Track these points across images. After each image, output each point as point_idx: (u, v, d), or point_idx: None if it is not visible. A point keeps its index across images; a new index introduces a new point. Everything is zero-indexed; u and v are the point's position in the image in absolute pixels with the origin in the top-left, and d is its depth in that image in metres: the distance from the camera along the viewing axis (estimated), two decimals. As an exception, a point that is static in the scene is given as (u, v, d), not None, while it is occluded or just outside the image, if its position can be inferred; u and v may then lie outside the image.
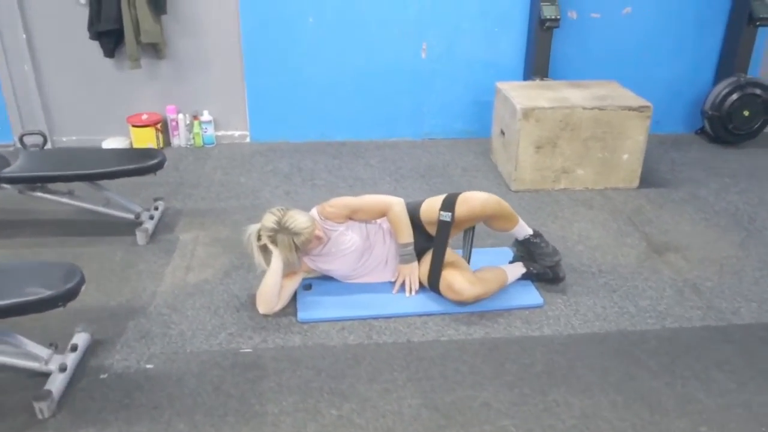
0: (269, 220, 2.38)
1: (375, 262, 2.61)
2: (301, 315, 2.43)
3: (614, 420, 1.94)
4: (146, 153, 3.11)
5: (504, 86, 3.76)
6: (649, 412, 1.97)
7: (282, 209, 2.42)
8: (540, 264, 2.62)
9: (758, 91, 4.07)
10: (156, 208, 3.16)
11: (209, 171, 3.82)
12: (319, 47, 4.06)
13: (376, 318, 2.43)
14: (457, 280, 2.45)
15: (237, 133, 4.30)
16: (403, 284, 2.58)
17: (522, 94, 3.59)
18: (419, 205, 2.59)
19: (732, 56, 4.16)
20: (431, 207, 2.56)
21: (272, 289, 2.41)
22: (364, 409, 1.98)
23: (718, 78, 4.27)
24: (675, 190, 3.58)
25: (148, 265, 2.78)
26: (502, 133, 3.71)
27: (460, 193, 2.52)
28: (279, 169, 3.86)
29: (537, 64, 4.03)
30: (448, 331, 2.36)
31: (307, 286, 2.59)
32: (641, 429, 1.91)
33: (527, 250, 2.67)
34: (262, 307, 2.43)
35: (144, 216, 3.05)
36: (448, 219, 2.47)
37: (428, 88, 4.24)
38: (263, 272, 2.44)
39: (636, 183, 3.60)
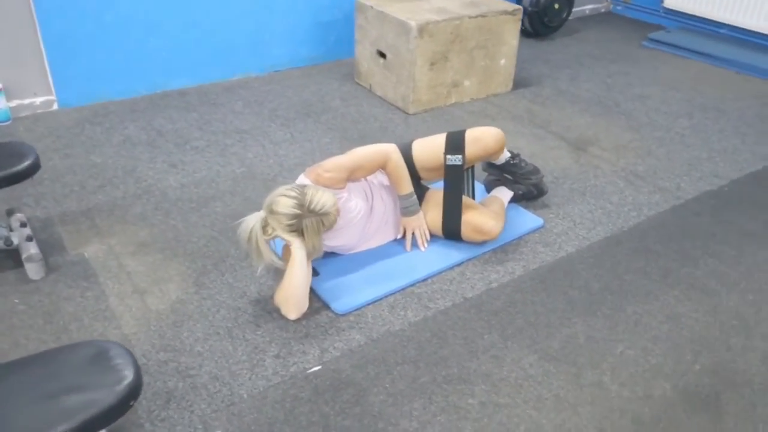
0: (286, 204, 1.88)
1: (377, 223, 2.28)
2: (338, 306, 2.02)
3: (690, 313, 2.06)
4: (6, 150, 2.14)
5: (368, 2, 3.45)
6: (706, 296, 2.14)
7: (297, 188, 1.93)
8: (524, 184, 2.57)
9: (562, -15, 4.43)
10: (23, 224, 2.25)
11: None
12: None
13: (413, 285, 2.15)
14: (482, 220, 2.27)
15: (39, 100, 3.24)
16: (413, 238, 2.31)
17: (399, 9, 3.34)
18: (408, 148, 2.30)
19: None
20: (429, 151, 2.29)
21: (303, 287, 1.96)
22: (494, 385, 1.78)
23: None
24: (540, 87, 3.79)
25: (77, 304, 2.01)
26: (381, 54, 3.44)
27: (462, 131, 2.29)
28: (132, 136, 3.04)
29: (384, -25, 3.76)
30: (491, 276, 2.21)
31: (313, 272, 2.15)
32: (713, 313, 2.07)
33: (509, 173, 2.58)
34: (293, 312, 1.96)
35: (16, 238, 2.16)
36: (459, 162, 2.24)
37: (268, 13, 3.68)
38: (266, 271, 1.96)
39: (510, 86, 3.71)
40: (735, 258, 2.34)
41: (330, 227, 1.97)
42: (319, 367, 1.82)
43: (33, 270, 2.09)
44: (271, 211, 1.91)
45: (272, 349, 1.87)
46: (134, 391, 1.24)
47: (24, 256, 2.09)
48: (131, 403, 1.25)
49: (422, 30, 3.16)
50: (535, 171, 2.57)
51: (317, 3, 3.81)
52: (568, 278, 2.21)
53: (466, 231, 2.28)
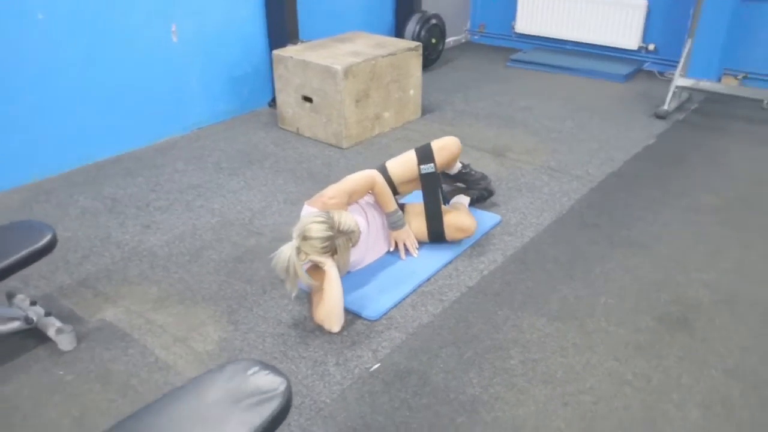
0: (319, 229, 2.11)
1: (374, 238, 2.56)
2: (369, 314, 2.27)
3: (639, 264, 2.57)
4: (22, 228, 2.14)
5: (286, 53, 3.74)
6: (644, 249, 2.67)
7: (322, 215, 2.16)
8: (477, 189, 2.98)
9: (434, 21, 5.02)
10: (33, 303, 2.24)
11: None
12: (53, 49, 3.21)
13: (421, 285, 2.45)
14: (462, 219, 2.64)
15: (-28, 188, 3.13)
16: (405, 247, 2.62)
17: (319, 56, 3.66)
18: (383, 169, 2.62)
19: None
20: (403, 166, 2.63)
21: (341, 301, 2.19)
22: (523, 346, 2.13)
23: (399, 13, 5.06)
24: (442, 111, 4.28)
25: (125, 362, 2.07)
26: (307, 99, 3.73)
27: (427, 144, 2.65)
28: (88, 207, 3.05)
29: (290, 28, 4.08)
30: (479, 266, 2.57)
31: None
32: (654, 260, 2.60)
33: (462, 181, 2.98)
34: (336, 325, 2.18)
35: (34, 315, 2.16)
36: (432, 169, 2.60)
37: (184, 74, 3.83)
38: (298, 294, 2.17)
39: (419, 113, 4.16)
40: (652, 219, 2.92)
41: (356, 244, 2.23)
42: (379, 365, 2.05)
43: (65, 341, 2.11)
44: (305, 238, 2.13)
45: (330, 360, 2.07)
46: (288, 398, 1.41)
47: (53, 330, 2.11)
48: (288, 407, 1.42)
49: (347, 72, 3.51)
50: (484, 177, 3.00)
51: (229, 59, 4.02)
52: (540, 256, 2.64)
53: (449, 232, 2.63)
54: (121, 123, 3.59)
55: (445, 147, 2.66)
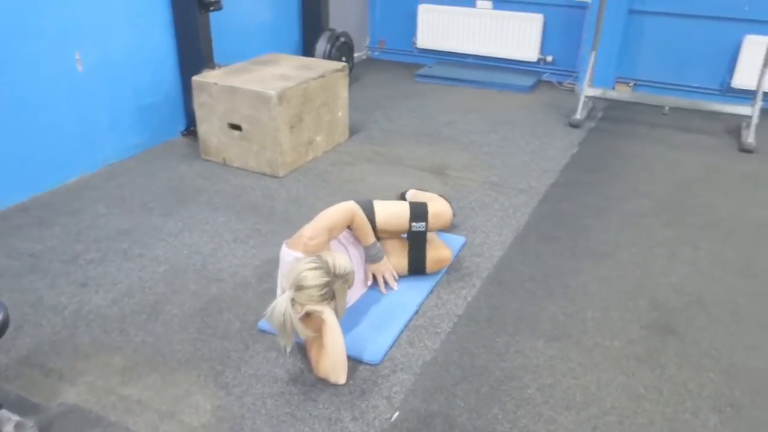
0: (315, 276, 1.95)
1: (357, 277, 2.43)
2: (371, 358, 2.14)
3: (609, 272, 2.66)
4: None
5: (208, 79, 3.49)
6: (607, 258, 2.76)
7: (314, 260, 2.00)
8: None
9: (343, 39, 4.94)
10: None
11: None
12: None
13: (411, 320, 2.36)
14: (439, 252, 2.57)
15: None
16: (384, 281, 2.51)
17: (246, 81, 3.45)
18: (370, 207, 2.48)
19: (317, 15, 4.85)
20: (394, 218, 2.51)
21: (344, 349, 2.03)
22: (534, 372, 2.10)
23: (306, 32, 4.92)
24: (368, 130, 4.20)
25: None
26: (234, 127, 3.50)
27: (424, 204, 2.55)
28: (5, 267, 2.63)
29: (204, 52, 3.81)
30: (461, 292, 2.52)
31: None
32: (620, 267, 2.69)
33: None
34: (343, 376, 2.02)
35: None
36: (423, 229, 2.52)
37: (88, 106, 3.45)
38: (293, 348, 2.02)
39: (347, 134, 4.05)
40: (603, 227, 3.03)
41: (352, 285, 2.09)
42: (398, 413, 1.93)
43: (28, 437, 1.78)
44: (300, 288, 1.95)
45: (345, 415, 1.92)
46: None
47: (10, 427, 1.76)
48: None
49: (281, 97, 3.33)
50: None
51: (137, 87, 3.68)
52: (516, 275, 2.64)
53: (429, 266, 2.56)
54: (23, 165, 3.15)
55: (441, 215, 2.60)
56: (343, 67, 3.83)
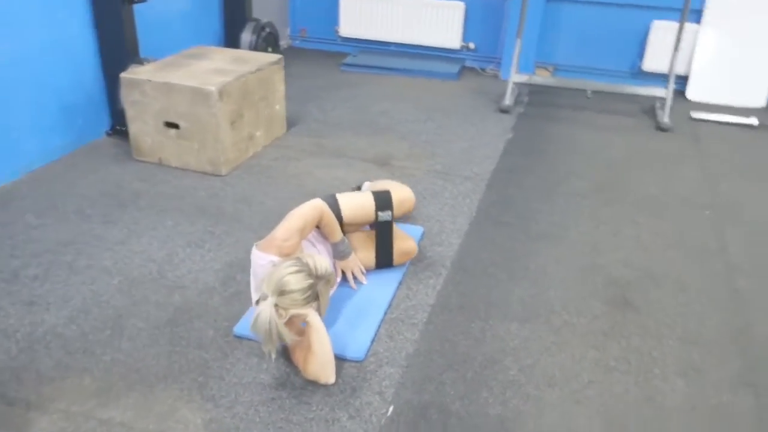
0: (298, 280, 1.92)
1: (326, 274, 2.41)
2: (354, 354, 2.14)
3: (563, 252, 2.79)
4: None
5: (139, 76, 3.32)
6: (560, 238, 2.90)
7: (294, 263, 1.97)
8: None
9: (268, 29, 4.83)
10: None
11: None
12: None
13: (386, 313, 2.37)
14: (405, 244, 2.59)
15: None
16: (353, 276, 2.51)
17: (181, 77, 3.30)
18: (335, 202, 2.46)
19: (239, 5, 4.70)
20: (360, 209, 2.49)
21: (331, 349, 2.02)
22: (512, 354, 2.18)
23: (228, 22, 4.76)
24: (305, 123, 4.14)
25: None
26: (171, 125, 3.35)
27: (387, 192, 2.55)
28: (-65, 292, 2.40)
29: (129, 46, 3.60)
30: (429, 282, 2.56)
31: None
32: (573, 247, 2.84)
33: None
34: (332, 375, 2.01)
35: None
36: (389, 218, 2.52)
37: (11, 107, 3.19)
38: (277, 354, 1.99)
39: (285, 128, 3.98)
40: (549, 209, 3.17)
41: (334, 285, 2.07)
42: (392, 407, 1.94)
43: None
44: (283, 293, 1.91)
45: (341, 414, 1.91)
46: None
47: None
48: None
49: (222, 93, 3.22)
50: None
51: (58, 86, 3.44)
52: (478, 262, 2.71)
53: (396, 258, 2.58)
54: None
55: (405, 201, 2.60)
56: (279, 59, 3.75)
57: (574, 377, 2.09)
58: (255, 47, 4.64)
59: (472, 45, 5.43)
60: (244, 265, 2.59)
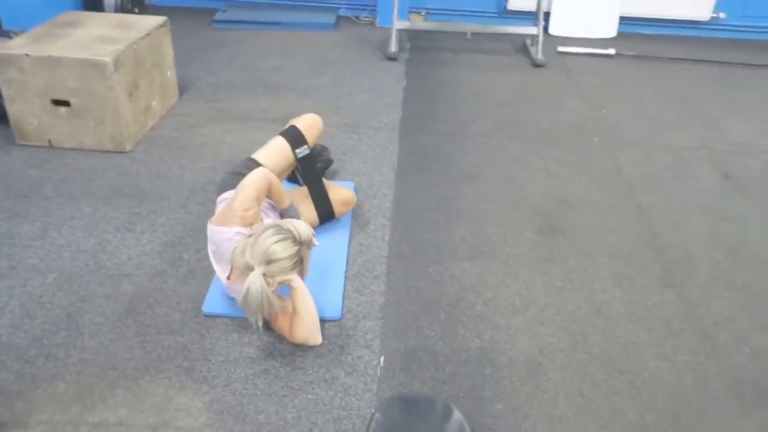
0: (285, 247, 1.93)
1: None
2: (332, 314, 2.19)
3: (483, 193, 3.00)
4: None
5: (13, 50, 2.97)
6: (475, 178, 3.10)
7: (276, 230, 1.96)
8: (320, 161, 2.96)
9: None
10: None
11: None
12: None
13: (348, 266, 2.44)
14: (344, 194, 2.64)
15: None
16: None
17: (64, 49, 3.00)
18: (256, 164, 2.43)
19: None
20: (278, 155, 2.51)
21: (316, 309, 2.06)
22: (474, 291, 2.36)
23: None
24: (196, 88, 3.94)
25: (117, 482, 1.63)
26: (60, 103, 3.06)
27: (293, 127, 2.53)
28: None
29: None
30: (377, 233, 2.65)
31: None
32: (492, 185, 3.06)
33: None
34: (319, 336, 2.07)
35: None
36: (308, 151, 2.53)
37: None
38: (267, 323, 2.00)
39: (177, 95, 3.77)
40: (462, 151, 3.35)
41: (311, 247, 2.09)
42: (383, 357, 2.04)
43: (15, 498, 1.55)
44: (270, 261, 1.91)
45: (338, 373, 1.98)
46: None
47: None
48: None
49: (117, 63, 2.99)
50: (324, 147, 2.99)
51: None
52: (415, 209, 2.84)
53: (336, 208, 2.61)
54: None
55: (312, 126, 2.58)
56: (165, 22, 3.51)
57: (531, 302, 2.31)
58: (121, 8, 4.29)
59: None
60: (188, 243, 2.52)
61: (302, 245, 1.98)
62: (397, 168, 3.14)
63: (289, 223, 2.01)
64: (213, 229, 2.15)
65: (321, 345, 2.07)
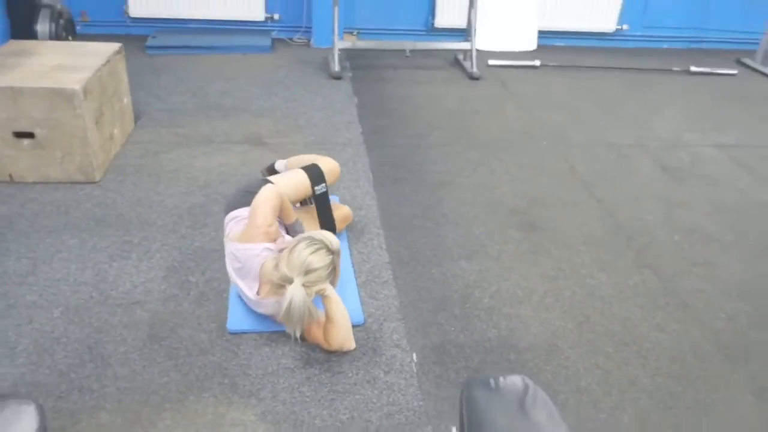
0: (321, 257, 2.00)
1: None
2: (355, 320, 2.26)
3: (483, 183, 3.19)
4: None
5: (-31, 83, 2.84)
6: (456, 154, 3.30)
7: (310, 241, 2.03)
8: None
9: (66, 15, 4.33)
10: None
11: None
12: None
13: (355, 274, 2.52)
14: (341, 210, 2.73)
15: None
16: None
17: (21, 78, 2.90)
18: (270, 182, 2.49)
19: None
20: (298, 187, 2.53)
21: (348, 315, 2.14)
22: (510, 274, 2.52)
23: (14, 15, 4.16)
24: (148, 115, 3.88)
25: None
26: (23, 135, 2.94)
27: (316, 166, 2.60)
28: None
29: (-67, 49, 3.02)
30: (381, 240, 2.75)
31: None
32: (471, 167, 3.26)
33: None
34: (353, 341, 2.14)
35: None
36: (325, 189, 2.60)
37: None
38: (301, 334, 2.03)
39: (134, 122, 3.70)
40: (430, 160, 3.52)
41: (340, 256, 2.16)
42: (414, 354, 2.15)
43: None
44: (309, 271, 1.97)
45: (377, 373, 2.06)
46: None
47: None
48: None
49: (86, 91, 2.92)
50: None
51: None
52: (401, 216, 2.97)
53: (338, 225, 2.70)
54: None
55: (333, 171, 2.65)
56: (120, 48, 3.46)
57: (532, 292, 2.50)
58: (55, 36, 4.14)
59: (276, 15, 5.47)
60: (190, 267, 2.52)
61: (334, 254, 2.06)
62: (374, 181, 3.26)
63: (320, 234, 2.09)
64: (236, 247, 2.17)
65: (354, 349, 2.14)
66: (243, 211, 2.39)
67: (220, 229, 2.70)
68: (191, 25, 5.39)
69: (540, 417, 1.42)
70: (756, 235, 3.02)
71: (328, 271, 2.02)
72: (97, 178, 3.09)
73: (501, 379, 1.51)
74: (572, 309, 2.42)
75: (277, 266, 2.03)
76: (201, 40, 5.11)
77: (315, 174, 2.60)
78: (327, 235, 2.09)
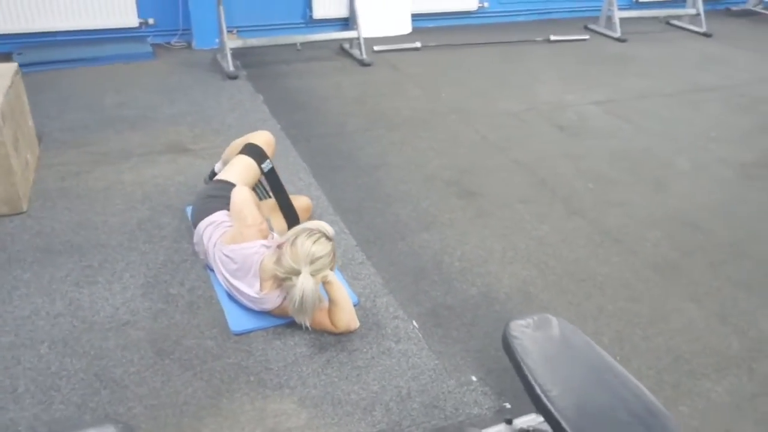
0: (323, 245, 2.12)
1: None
2: (353, 299, 2.39)
3: (416, 162, 3.39)
4: None
5: None
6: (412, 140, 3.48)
7: (310, 231, 2.13)
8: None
9: None
10: None
11: None
12: None
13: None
14: (302, 201, 2.81)
15: None
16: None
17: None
18: (227, 183, 2.52)
19: None
20: (247, 171, 2.59)
21: (350, 298, 2.26)
22: (472, 237, 2.74)
23: None
24: (51, 138, 3.63)
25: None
26: (-66, 171, 2.69)
27: (252, 144, 2.64)
28: None
29: None
30: (344, 227, 2.87)
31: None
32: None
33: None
34: (357, 320, 2.26)
35: None
36: (271, 165, 2.66)
37: None
38: (309, 320, 2.14)
39: (39, 144, 3.46)
40: (357, 144, 3.67)
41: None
42: (414, 321, 2.32)
43: None
44: (314, 260, 2.07)
45: (389, 344, 2.21)
46: None
47: None
48: None
49: (3, 116, 2.72)
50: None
51: None
52: (351, 201, 3.10)
53: (300, 215, 2.78)
54: None
55: (268, 142, 2.69)
56: (17, 68, 3.22)
57: (492, 250, 2.77)
58: None
59: (152, 20, 5.27)
60: (166, 280, 2.50)
61: (332, 241, 2.17)
62: (312, 171, 3.35)
63: (314, 224, 2.18)
64: (231, 248, 2.20)
65: (359, 328, 2.26)
66: (217, 216, 2.41)
67: (180, 239, 2.71)
68: (60, 38, 5.03)
69: (579, 342, 1.67)
70: (647, 174, 3.52)
71: (331, 257, 2.12)
72: (25, 208, 2.89)
73: (534, 318, 1.74)
74: (531, 259, 2.72)
75: (279, 261, 2.10)
76: (75, 53, 4.80)
77: (255, 153, 2.63)
78: (321, 224, 2.19)
